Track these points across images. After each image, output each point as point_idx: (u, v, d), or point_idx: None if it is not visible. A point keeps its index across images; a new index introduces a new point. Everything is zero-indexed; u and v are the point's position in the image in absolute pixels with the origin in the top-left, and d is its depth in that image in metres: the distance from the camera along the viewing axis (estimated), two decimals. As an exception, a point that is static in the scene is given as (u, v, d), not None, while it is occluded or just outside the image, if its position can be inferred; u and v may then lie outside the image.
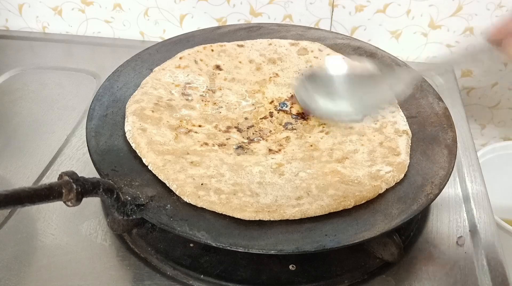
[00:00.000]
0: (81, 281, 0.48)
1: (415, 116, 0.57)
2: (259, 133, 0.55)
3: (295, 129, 0.56)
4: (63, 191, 0.37)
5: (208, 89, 0.60)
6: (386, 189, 0.48)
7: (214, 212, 0.45)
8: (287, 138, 0.55)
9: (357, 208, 0.46)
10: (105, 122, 0.54)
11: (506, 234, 0.76)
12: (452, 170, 0.50)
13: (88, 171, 0.55)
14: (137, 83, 0.60)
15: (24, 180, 0.59)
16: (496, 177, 0.85)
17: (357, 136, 0.53)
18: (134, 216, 0.44)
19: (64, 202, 0.38)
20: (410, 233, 0.53)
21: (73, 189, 0.37)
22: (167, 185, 0.47)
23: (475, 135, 0.92)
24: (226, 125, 0.56)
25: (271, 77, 0.63)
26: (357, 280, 0.48)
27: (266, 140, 0.54)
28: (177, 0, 0.83)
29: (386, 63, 0.65)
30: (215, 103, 0.58)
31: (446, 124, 0.55)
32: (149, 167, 0.48)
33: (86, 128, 0.53)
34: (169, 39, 0.69)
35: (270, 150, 0.53)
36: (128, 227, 0.50)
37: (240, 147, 0.53)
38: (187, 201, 0.45)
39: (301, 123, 0.57)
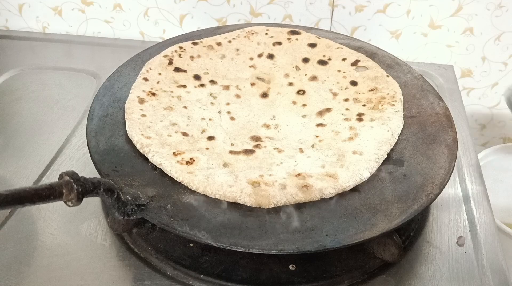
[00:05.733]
0: (81, 281, 0.48)
1: (415, 116, 0.57)
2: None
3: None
4: (64, 191, 0.37)
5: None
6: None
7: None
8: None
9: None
10: (106, 122, 0.54)
11: (506, 237, 0.76)
12: (453, 170, 0.50)
13: (88, 171, 0.55)
14: (137, 83, 0.60)
15: (24, 180, 0.59)
16: (497, 179, 0.85)
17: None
18: (134, 216, 0.44)
19: (65, 202, 0.38)
20: (410, 233, 0.53)
21: (73, 189, 0.37)
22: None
23: (475, 135, 0.93)
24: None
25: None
26: (357, 280, 0.48)
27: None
28: (177, 0, 0.83)
29: (387, 63, 0.65)
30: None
31: (447, 124, 0.55)
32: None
33: (87, 128, 0.53)
34: (169, 39, 0.69)
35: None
36: (128, 227, 0.50)
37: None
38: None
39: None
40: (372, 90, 0.60)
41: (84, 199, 0.39)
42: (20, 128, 0.68)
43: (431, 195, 0.47)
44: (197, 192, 0.47)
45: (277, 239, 0.43)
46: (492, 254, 0.52)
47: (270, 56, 0.66)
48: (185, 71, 0.63)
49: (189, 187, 0.47)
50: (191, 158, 0.49)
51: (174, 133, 0.53)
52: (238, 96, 0.60)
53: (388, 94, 0.59)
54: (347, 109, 0.58)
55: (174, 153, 0.50)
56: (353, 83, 0.61)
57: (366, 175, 0.49)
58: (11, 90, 0.75)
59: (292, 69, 0.64)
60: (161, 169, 0.49)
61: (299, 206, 0.46)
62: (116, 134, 0.53)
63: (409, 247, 0.52)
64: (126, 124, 0.53)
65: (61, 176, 0.38)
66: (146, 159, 0.50)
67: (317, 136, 0.54)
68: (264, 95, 0.61)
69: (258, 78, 0.63)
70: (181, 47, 0.66)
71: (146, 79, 0.60)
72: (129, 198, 0.44)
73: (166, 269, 0.49)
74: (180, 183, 0.48)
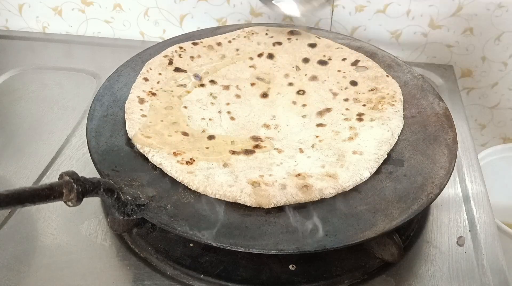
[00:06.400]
0: (81, 281, 0.48)
1: (415, 116, 0.57)
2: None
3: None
4: (64, 191, 0.37)
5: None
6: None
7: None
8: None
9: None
10: (106, 122, 0.54)
11: (506, 237, 0.76)
12: (453, 170, 0.50)
13: (88, 171, 0.55)
14: (137, 83, 0.60)
15: (24, 180, 0.59)
16: (497, 179, 0.85)
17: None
18: (134, 216, 0.44)
19: (65, 202, 0.38)
20: (410, 233, 0.53)
21: (73, 189, 0.37)
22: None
23: (475, 135, 0.92)
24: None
25: None
26: (357, 280, 0.48)
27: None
28: (177, 0, 0.83)
29: (387, 63, 0.65)
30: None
31: (447, 124, 0.55)
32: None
33: (87, 128, 0.53)
34: (169, 39, 0.69)
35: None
36: (128, 227, 0.50)
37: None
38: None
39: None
40: (372, 90, 0.60)
41: (84, 199, 0.39)
42: (20, 128, 0.68)
43: (431, 195, 0.47)
44: (197, 192, 0.47)
45: (277, 239, 0.43)
46: (492, 254, 0.52)
47: (270, 56, 0.66)
48: (185, 71, 0.63)
49: (189, 187, 0.47)
50: (191, 158, 0.49)
51: (174, 133, 0.53)
52: (238, 96, 0.60)
53: (388, 94, 0.59)
54: (347, 109, 0.58)
55: (174, 153, 0.50)
56: (353, 83, 0.61)
57: (366, 175, 0.49)
58: (11, 90, 0.75)
59: (292, 69, 0.64)
60: (161, 169, 0.49)
61: (299, 206, 0.46)
62: (116, 134, 0.53)
63: (409, 247, 0.52)
64: (126, 124, 0.53)
65: (61, 176, 0.38)
66: (146, 159, 0.50)
67: (317, 136, 0.54)
68: (264, 95, 0.61)
69: (258, 78, 0.63)
70: (181, 47, 0.66)
71: (146, 79, 0.60)
72: (129, 198, 0.44)
73: (166, 269, 0.49)
74: (180, 183, 0.48)
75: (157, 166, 0.49)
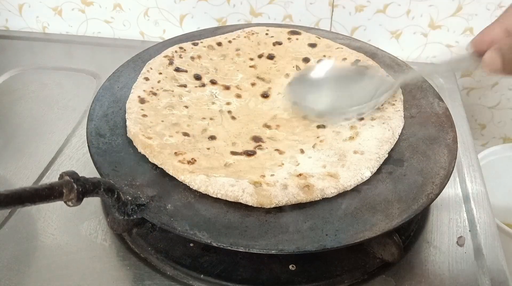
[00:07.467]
0: (81, 281, 0.48)
1: (415, 116, 0.57)
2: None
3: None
4: (64, 191, 0.37)
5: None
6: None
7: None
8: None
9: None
10: (106, 122, 0.54)
11: (506, 237, 0.76)
12: (453, 170, 0.50)
13: (88, 171, 0.55)
14: (137, 83, 0.60)
15: (24, 180, 0.59)
16: (497, 179, 0.85)
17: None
18: (134, 216, 0.44)
19: (65, 202, 0.38)
20: (410, 233, 0.53)
21: (73, 189, 0.37)
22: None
23: (475, 135, 0.93)
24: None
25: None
26: (357, 280, 0.48)
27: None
28: (177, 0, 0.83)
29: (386, 63, 0.65)
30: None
31: (447, 124, 0.55)
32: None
33: (87, 128, 0.53)
34: (169, 39, 0.69)
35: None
36: (128, 227, 0.50)
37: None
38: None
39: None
40: None
41: (84, 199, 0.39)
42: (20, 128, 0.68)
43: (431, 195, 0.47)
44: (198, 192, 0.47)
45: (277, 239, 0.43)
46: (492, 254, 0.52)
47: (271, 56, 0.66)
48: (185, 71, 0.63)
49: (190, 187, 0.47)
50: (192, 158, 0.49)
51: (175, 133, 0.53)
52: (238, 96, 0.60)
53: None
54: None
55: (175, 153, 0.50)
56: None
57: (367, 174, 0.49)
58: (11, 90, 0.75)
59: (292, 69, 0.64)
60: (161, 169, 0.49)
61: (299, 206, 0.46)
62: (116, 134, 0.53)
63: (409, 247, 0.52)
64: (127, 124, 0.53)
65: (61, 176, 0.38)
66: (146, 159, 0.50)
67: (318, 136, 0.54)
68: (265, 95, 0.61)
69: (258, 78, 0.63)
70: (181, 48, 0.66)
71: (147, 79, 0.60)
72: (129, 198, 0.44)
73: (166, 269, 0.49)
74: (180, 183, 0.48)
75: (158, 166, 0.49)
